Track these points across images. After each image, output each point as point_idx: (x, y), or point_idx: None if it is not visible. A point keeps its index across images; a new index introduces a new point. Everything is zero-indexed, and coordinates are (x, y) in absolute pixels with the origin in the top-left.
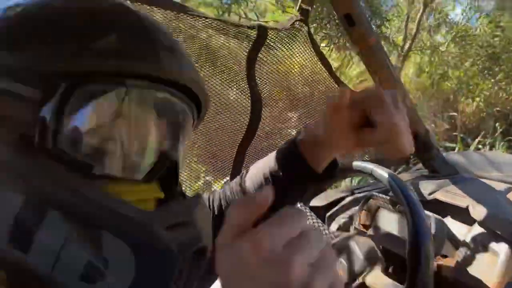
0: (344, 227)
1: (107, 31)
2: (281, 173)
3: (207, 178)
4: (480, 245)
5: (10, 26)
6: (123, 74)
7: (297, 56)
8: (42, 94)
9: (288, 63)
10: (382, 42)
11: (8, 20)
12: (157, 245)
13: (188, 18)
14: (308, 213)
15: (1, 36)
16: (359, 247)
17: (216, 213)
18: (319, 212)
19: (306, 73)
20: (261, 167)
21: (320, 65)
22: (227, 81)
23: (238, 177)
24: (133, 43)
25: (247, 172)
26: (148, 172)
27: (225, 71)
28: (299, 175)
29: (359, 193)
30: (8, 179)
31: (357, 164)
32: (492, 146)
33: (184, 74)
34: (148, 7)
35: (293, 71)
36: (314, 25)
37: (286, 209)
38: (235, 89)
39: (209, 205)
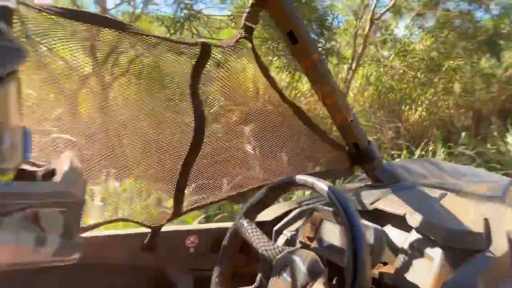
0: (291, 241)
1: None
2: None
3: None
4: (416, 251)
5: None
6: None
7: (245, 71)
8: None
9: (237, 78)
10: (332, 57)
11: None
12: None
13: (135, 36)
14: (254, 229)
15: None
16: (303, 260)
17: None
18: (266, 227)
19: (256, 87)
20: None
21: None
22: (172, 98)
23: None
24: None
25: None
26: None
27: (171, 88)
28: None
29: (306, 205)
30: None
31: (299, 178)
32: (434, 153)
33: None
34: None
35: (242, 86)
36: (270, 41)
37: None
38: (183, 106)
39: None
